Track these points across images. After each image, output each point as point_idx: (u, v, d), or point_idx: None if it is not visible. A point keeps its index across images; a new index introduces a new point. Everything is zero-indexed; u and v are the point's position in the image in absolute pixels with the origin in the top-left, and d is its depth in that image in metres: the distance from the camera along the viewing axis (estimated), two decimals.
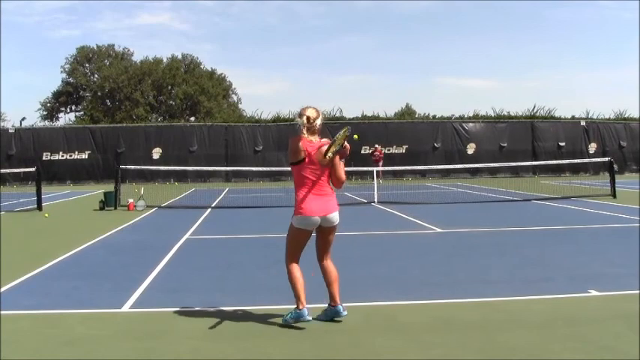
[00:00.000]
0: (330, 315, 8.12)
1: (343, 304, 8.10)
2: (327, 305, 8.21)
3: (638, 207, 22.31)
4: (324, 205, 8.00)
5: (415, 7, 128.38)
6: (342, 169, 8.10)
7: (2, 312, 8.68)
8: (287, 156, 9.58)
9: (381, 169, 37.79)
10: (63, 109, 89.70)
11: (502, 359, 6.63)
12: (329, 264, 8.30)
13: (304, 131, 8.01)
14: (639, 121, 52.74)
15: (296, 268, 8.09)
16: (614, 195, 26.61)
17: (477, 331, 7.55)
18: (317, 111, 8.11)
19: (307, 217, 7.94)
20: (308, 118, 7.97)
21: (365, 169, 35.73)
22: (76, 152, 46.26)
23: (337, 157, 8.02)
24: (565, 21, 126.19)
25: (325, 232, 8.19)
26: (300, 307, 7.81)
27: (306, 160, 7.93)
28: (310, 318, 7.84)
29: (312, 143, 7.99)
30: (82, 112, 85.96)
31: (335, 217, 8.15)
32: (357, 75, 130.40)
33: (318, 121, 8.05)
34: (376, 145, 43.08)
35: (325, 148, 7.88)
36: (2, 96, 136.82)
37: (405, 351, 6.91)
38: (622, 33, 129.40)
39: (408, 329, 7.72)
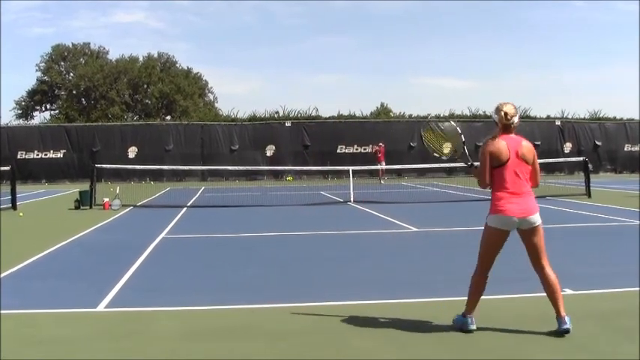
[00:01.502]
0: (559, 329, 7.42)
1: (564, 316, 7.42)
2: None
3: (612, 206, 22.45)
4: (524, 206, 7.51)
5: (391, 7, 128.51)
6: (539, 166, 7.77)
7: None
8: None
9: (384, 167, 37.91)
10: (38, 107, 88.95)
11: (478, 359, 6.66)
12: (544, 272, 7.62)
13: (500, 128, 7.61)
14: (614, 121, 53.20)
15: (480, 278, 7.70)
16: (588, 194, 26.77)
17: (453, 331, 7.55)
18: (515, 108, 7.67)
19: (503, 216, 7.46)
20: (506, 114, 7.56)
21: (341, 167, 35.70)
22: (52, 151, 45.97)
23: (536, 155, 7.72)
24: (541, 22, 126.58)
25: (526, 234, 7.62)
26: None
27: (510, 159, 7.47)
28: (474, 327, 7.52)
29: (512, 140, 7.57)
30: (57, 111, 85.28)
31: (536, 218, 7.60)
32: (334, 74, 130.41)
33: (516, 119, 7.59)
34: (380, 144, 43.14)
35: (528, 145, 7.63)
36: None
37: (382, 351, 6.92)
38: (597, 34, 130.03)
39: (384, 329, 7.73)
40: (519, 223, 7.46)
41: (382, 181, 41.44)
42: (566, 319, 7.33)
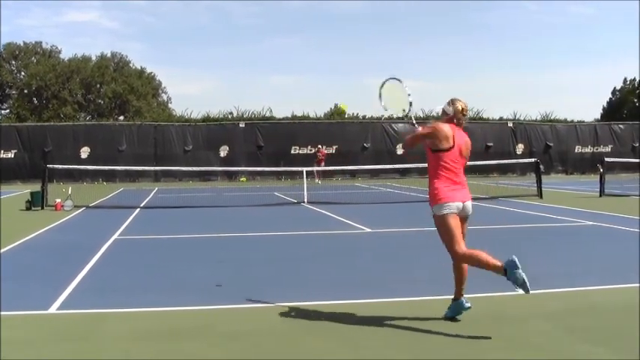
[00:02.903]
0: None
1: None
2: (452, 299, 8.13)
3: (563, 207, 22.72)
4: (464, 194, 7.85)
5: (344, 7, 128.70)
6: None
7: None
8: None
9: (321, 168, 38.02)
10: None
11: (431, 358, 6.71)
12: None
13: (446, 120, 7.89)
14: (565, 123, 53.89)
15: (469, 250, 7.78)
16: (540, 195, 27.09)
17: (407, 331, 7.60)
18: (466, 105, 7.96)
19: (453, 203, 7.72)
20: (463, 109, 7.81)
21: (294, 168, 35.76)
22: (2, 151, 45.33)
23: None
24: (494, 24, 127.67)
25: (462, 221, 7.90)
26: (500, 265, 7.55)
27: (454, 148, 7.76)
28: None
29: (461, 134, 7.85)
30: (8, 110, 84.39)
31: (471, 205, 7.96)
32: (288, 75, 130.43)
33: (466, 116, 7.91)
34: (319, 146, 43.31)
35: (468, 142, 7.89)
36: None
37: (336, 351, 6.94)
38: (549, 36, 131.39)
39: (338, 330, 7.74)
40: (462, 208, 7.80)
41: (319, 181, 41.56)
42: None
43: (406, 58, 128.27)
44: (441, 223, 7.77)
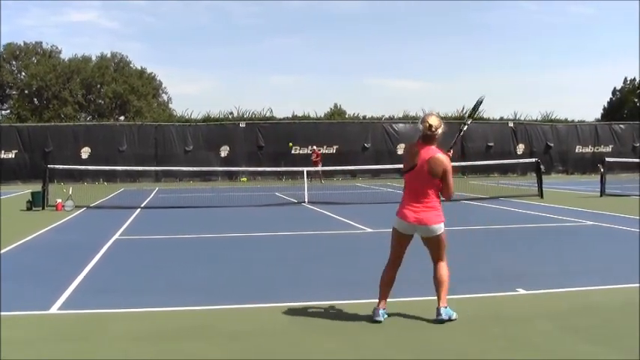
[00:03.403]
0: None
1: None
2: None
3: (564, 207, 22.72)
4: (421, 215, 7.96)
5: (345, 7, 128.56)
6: (452, 179, 8.01)
7: None
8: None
9: (320, 168, 38.07)
10: None
11: (433, 359, 6.71)
12: (436, 267, 8.19)
13: (420, 137, 7.92)
14: (565, 123, 53.89)
15: (386, 271, 8.30)
16: (541, 195, 27.10)
17: (409, 331, 7.62)
18: (440, 120, 7.93)
19: (401, 220, 8.09)
20: (430, 125, 7.79)
21: (295, 169, 35.77)
22: (2, 152, 45.30)
23: (450, 170, 7.94)
24: (495, 24, 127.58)
25: (424, 240, 8.23)
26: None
27: (416, 167, 7.86)
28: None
29: (428, 150, 7.86)
30: (8, 111, 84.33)
31: (434, 229, 8.02)
32: (288, 75, 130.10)
33: (440, 130, 7.86)
34: (314, 147, 43.32)
35: (439, 158, 7.86)
36: None
37: (336, 351, 6.95)
38: (549, 36, 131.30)
39: (339, 329, 7.75)
40: (415, 229, 8.01)
41: (323, 181, 41.61)
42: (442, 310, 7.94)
43: (404, 58, 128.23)
44: None
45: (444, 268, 8.11)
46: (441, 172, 7.84)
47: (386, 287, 8.13)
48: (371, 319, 7.90)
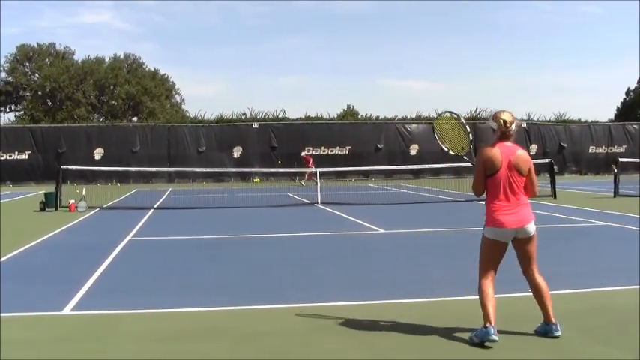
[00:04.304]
0: (542, 332, 7.55)
1: (555, 323, 7.49)
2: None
3: (577, 207, 22.67)
4: (518, 216, 7.57)
5: (357, 7, 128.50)
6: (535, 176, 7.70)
7: None
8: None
9: (312, 169, 38.21)
10: (2, 108, 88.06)
11: (441, 358, 6.71)
12: (534, 277, 7.73)
13: (498, 136, 7.58)
14: (578, 123, 53.77)
15: (487, 285, 7.53)
16: (554, 196, 27.07)
17: (419, 331, 7.61)
18: (512, 115, 7.63)
19: (499, 229, 7.53)
20: (505, 122, 7.51)
21: (308, 169, 35.86)
22: (16, 152, 45.52)
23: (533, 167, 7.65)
24: (506, 24, 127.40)
25: (521, 243, 7.70)
26: (487, 324, 7.19)
27: (502, 168, 7.47)
28: (496, 338, 7.11)
29: (509, 148, 7.53)
30: (22, 112, 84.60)
31: (531, 228, 7.67)
32: (301, 76, 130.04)
33: (513, 127, 7.56)
34: (303, 154, 43.71)
35: (523, 155, 7.57)
36: None
37: (349, 352, 6.94)
38: (561, 36, 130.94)
39: (352, 330, 7.75)
40: (515, 232, 7.52)
41: (303, 183, 41.46)
42: (558, 325, 7.42)
43: (419, 58, 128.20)
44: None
45: (540, 275, 7.74)
46: (527, 169, 7.59)
47: (491, 302, 7.42)
48: (481, 339, 7.16)
